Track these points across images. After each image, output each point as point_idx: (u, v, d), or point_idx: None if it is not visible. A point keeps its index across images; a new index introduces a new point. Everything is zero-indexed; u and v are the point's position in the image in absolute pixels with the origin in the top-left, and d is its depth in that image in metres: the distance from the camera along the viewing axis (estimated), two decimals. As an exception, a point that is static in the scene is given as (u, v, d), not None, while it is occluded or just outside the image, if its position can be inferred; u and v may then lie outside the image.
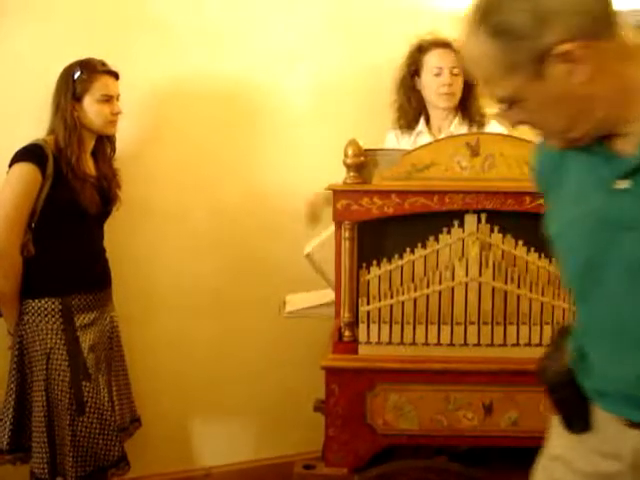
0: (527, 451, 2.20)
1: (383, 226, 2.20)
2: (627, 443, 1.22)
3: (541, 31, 1.08)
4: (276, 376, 2.90)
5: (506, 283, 2.12)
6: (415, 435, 2.17)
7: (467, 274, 2.12)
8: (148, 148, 2.72)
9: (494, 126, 2.69)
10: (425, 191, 2.12)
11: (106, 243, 2.51)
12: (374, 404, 2.15)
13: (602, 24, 1.10)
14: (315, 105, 2.90)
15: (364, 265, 2.18)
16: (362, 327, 2.16)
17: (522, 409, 2.14)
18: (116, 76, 2.41)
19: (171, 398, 2.83)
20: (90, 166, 2.42)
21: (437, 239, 2.14)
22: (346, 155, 2.14)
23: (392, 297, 2.14)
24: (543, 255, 2.13)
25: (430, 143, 2.33)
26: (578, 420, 1.29)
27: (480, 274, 2.11)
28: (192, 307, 2.82)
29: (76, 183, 2.32)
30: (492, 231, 2.13)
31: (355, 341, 2.18)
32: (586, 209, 1.19)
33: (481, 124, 2.70)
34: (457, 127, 2.70)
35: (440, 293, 2.13)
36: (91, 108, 2.35)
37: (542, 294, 2.12)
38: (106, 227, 2.51)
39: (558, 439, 1.35)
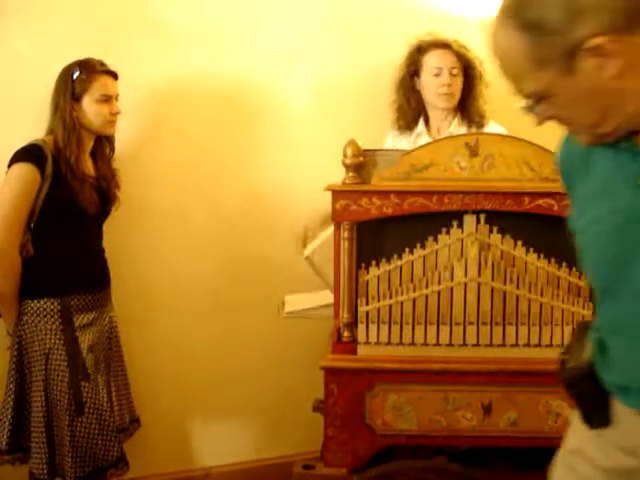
0: (526, 451, 2.22)
1: (382, 226, 2.20)
2: None
3: (573, 26, 1.07)
4: (275, 376, 2.90)
5: (505, 283, 2.12)
6: (414, 435, 2.17)
7: (466, 274, 2.12)
8: (147, 148, 2.72)
9: (493, 126, 2.70)
10: (424, 191, 2.12)
11: (105, 243, 2.51)
12: (373, 404, 2.15)
13: (633, 18, 1.09)
14: (314, 105, 2.90)
15: (363, 265, 2.18)
16: (361, 327, 2.16)
17: (521, 409, 2.14)
18: (115, 76, 2.41)
19: (170, 398, 2.82)
20: (89, 166, 2.42)
21: (436, 239, 2.14)
22: (345, 155, 2.14)
23: (391, 297, 2.14)
24: (542, 255, 2.14)
25: (429, 143, 2.33)
26: (597, 415, 1.28)
27: (479, 274, 2.11)
28: (191, 307, 2.82)
29: (75, 183, 2.32)
30: (491, 231, 2.13)
31: (354, 341, 2.18)
32: (613, 206, 1.19)
33: (480, 125, 2.70)
34: (456, 128, 2.70)
35: (439, 293, 2.13)
36: (90, 108, 2.35)
37: (541, 294, 2.12)
38: (105, 227, 2.51)
39: (577, 434, 1.34)
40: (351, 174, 2.15)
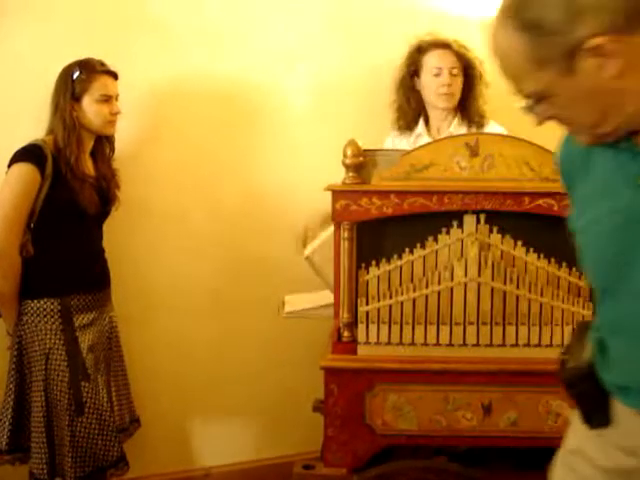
0: (526, 451, 2.22)
1: (382, 226, 2.20)
2: None
3: (573, 26, 1.07)
4: (275, 376, 2.90)
5: (505, 283, 2.12)
6: (414, 435, 2.17)
7: (466, 274, 2.12)
8: (147, 148, 2.72)
9: (493, 126, 2.69)
10: (424, 191, 2.12)
11: (105, 243, 2.51)
12: (373, 404, 2.15)
13: (633, 18, 1.09)
14: (314, 105, 2.90)
15: (363, 265, 2.18)
16: (361, 327, 2.16)
17: (521, 409, 2.14)
18: (115, 76, 2.41)
19: (170, 398, 2.82)
20: (89, 166, 2.42)
21: (436, 239, 2.14)
22: (345, 155, 2.14)
23: (391, 297, 2.14)
24: (542, 255, 2.14)
25: (429, 143, 2.33)
26: (597, 415, 1.28)
27: (479, 274, 2.11)
28: (191, 307, 2.82)
29: (75, 183, 2.32)
30: (491, 231, 2.13)
31: (354, 341, 2.17)
32: (613, 206, 1.19)
33: (480, 125, 2.70)
34: (456, 128, 2.70)
35: (439, 293, 2.13)
36: (90, 108, 2.35)
37: (541, 294, 2.12)
38: (105, 227, 2.51)
39: (577, 434, 1.34)
40: (351, 174, 2.15)
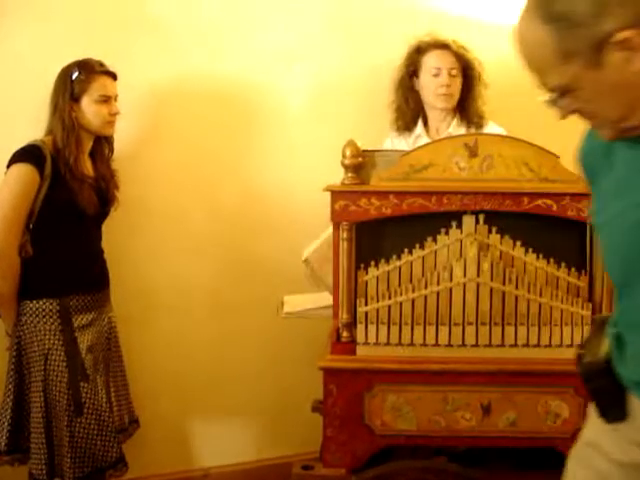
0: (525, 451, 2.22)
1: (381, 227, 2.20)
2: None
3: (600, 18, 1.07)
4: (274, 376, 2.90)
5: (504, 284, 2.12)
6: (413, 436, 2.17)
7: (465, 275, 2.12)
8: (146, 149, 2.72)
9: (492, 127, 2.69)
10: (423, 192, 2.12)
11: (104, 244, 2.50)
12: (372, 405, 2.15)
13: None
14: (314, 106, 2.90)
15: (362, 266, 2.18)
16: (360, 328, 2.16)
17: (520, 410, 2.14)
18: (114, 77, 2.41)
19: (169, 399, 2.82)
20: (88, 167, 2.42)
21: (435, 240, 2.14)
22: (344, 156, 2.14)
23: (390, 298, 2.14)
24: (541, 256, 2.14)
25: (428, 144, 2.33)
26: (614, 409, 1.28)
27: (478, 275, 2.11)
28: (190, 308, 2.82)
29: (74, 184, 2.32)
30: (490, 232, 2.13)
31: (353, 342, 2.17)
32: (632, 202, 1.18)
33: (479, 125, 2.70)
34: (455, 128, 2.70)
35: (438, 294, 2.13)
36: (89, 109, 2.35)
37: (540, 295, 2.12)
38: (104, 228, 2.51)
39: (594, 427, 1.35)
40: (350, 174, 2.15)
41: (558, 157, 2.12)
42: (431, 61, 2.66)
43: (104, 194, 2.45)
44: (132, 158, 2.66)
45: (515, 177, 2.12)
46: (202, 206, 2.81)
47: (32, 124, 2.37)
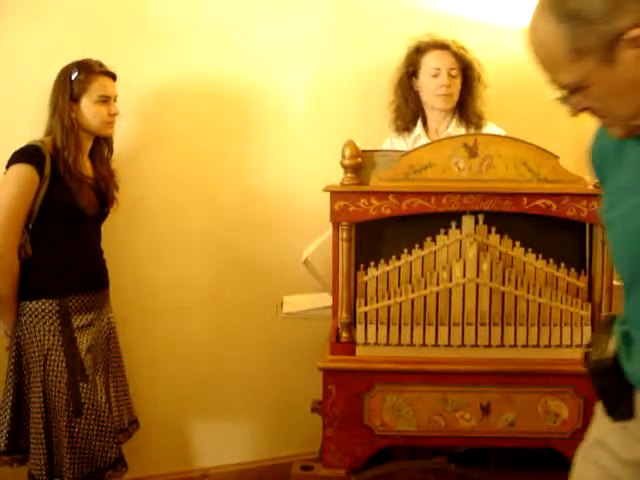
0: (524, 452, 2.22)
1: (380, 227, 2.20)
2: None
3: (613, 16, 1.07)
4: (274, 377, 2.90)
5: (504, 284, 2.12)
6: (413, 436, 2.17)
7: (465, 275, 2.12)
8: (146, 149, 2.72)
9: (491, 128, 2.69)
10: (422, 192, 2.12)
11: (104, 244, 2.50)
12: (371, 405, 2.15)
13: None
14: (313, 106, 2.90)
15: (362, 266, 2.18)
16: (360, 328, 2.16)
17: (520, 410, 2.14)
18: (114, 77, 2.41)
19: (169, 399, 2.82)
20: (87, 167, 2.42)
21: (434, 240, 2.14)
22: (343, 156, 2.14)
23: (390, 298, 2.14)
24: (541, 256, 2.14)
25: (428, 144, 2.32)
26: (621, 407, 1.28)
27: (478, 275, 2.11)
28: (190, 308, 2.82)
29: (73, 184, 2.32)
30: (489, 232, 2.13)
31: (352, 342, 2.17)
32: None
33: (479, 126, 2.70)
34: (454, 129, 2.70)
35: (438, 294, 2.13)
36: (88, 109, 2.35)
37: (540, 295, 2.12)
38: (104, 228, 2.51)
39: (600, 425, 1.35)
40: (349, 175, 2.15)
41: (557, 157, 2.12)
42: (430, 61, 2.66)
43: (103, 194, 2.45)
44: (132, 158, 2.66)
45: (514, 177, 2.12)
46: (202, 206, 2.81)
47: (31, 124, 2.36)
